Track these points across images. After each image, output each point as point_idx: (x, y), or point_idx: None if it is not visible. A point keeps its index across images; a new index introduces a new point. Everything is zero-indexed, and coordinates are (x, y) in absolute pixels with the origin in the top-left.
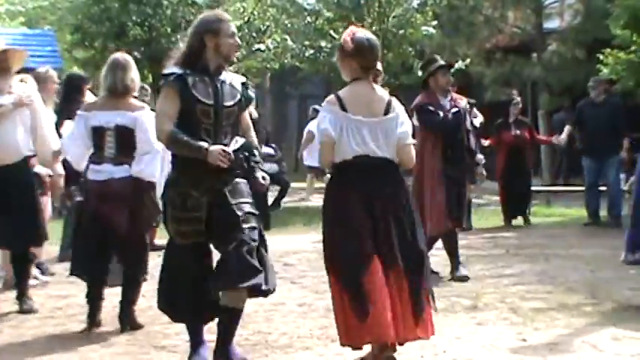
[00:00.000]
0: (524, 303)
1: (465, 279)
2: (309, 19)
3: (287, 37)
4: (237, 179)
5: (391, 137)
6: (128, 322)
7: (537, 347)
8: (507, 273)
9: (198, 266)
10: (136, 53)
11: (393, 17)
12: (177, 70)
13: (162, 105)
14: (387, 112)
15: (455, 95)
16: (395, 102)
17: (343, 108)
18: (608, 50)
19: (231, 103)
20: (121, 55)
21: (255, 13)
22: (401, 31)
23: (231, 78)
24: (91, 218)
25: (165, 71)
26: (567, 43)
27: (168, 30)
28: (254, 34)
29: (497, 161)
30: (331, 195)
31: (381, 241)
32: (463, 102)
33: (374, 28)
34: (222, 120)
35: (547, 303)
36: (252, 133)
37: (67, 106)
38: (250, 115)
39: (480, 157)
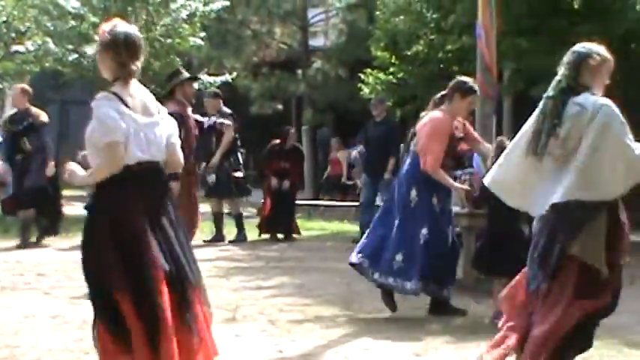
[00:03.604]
0: (282, 315)
1: None
2: (73, 22)
3: (49, 39)
4: None
5: (164, 137)
6: None
7: (292, 358)
8: (267, 285)
9: None
10: None
11: (161, 26)
12: None
13: None
14: (158, 110)
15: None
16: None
17: (127, 107)
18: (369, 70)
19: None
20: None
21: (15, 12)
22: (168, 41)
23: None
24: None
25: None
26: (331, 62)
27: None
28: (13, 35)
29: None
30: (109, 207)
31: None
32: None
33: (141, 36)
34: None
35: (304, 315)
36: None
37: None
38: None
39: None
